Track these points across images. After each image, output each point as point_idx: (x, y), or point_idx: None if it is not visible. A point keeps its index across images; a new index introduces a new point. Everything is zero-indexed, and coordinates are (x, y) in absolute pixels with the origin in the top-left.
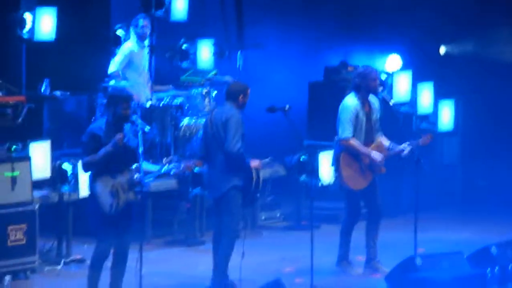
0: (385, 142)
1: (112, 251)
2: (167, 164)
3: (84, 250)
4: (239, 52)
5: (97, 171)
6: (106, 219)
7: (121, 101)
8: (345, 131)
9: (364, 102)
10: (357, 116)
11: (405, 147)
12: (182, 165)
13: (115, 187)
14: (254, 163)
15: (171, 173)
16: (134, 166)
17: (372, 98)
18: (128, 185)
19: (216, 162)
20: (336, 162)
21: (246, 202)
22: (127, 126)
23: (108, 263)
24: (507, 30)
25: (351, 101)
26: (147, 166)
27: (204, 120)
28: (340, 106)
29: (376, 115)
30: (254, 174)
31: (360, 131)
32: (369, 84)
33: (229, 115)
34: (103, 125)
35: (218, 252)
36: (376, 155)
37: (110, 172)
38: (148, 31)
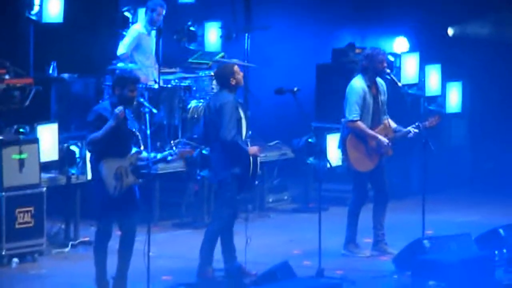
0: (392, 124)
1: (119, 233)
2: (167, 149)
3: (91, 233)
4: (246, 34)
5: (100, 154)
6: (108, 202)
7: (128, 83)
8: (352, 113)
9: (371, 84)
10: (364, 98)
11: (412, 129)
12: (178, 151)
13: (119, 170)
14: (253, 149)
15: (168, 159)
16: (135, 150)
17: (379, 80)
18: (131, 169)
19: (214, 147)
20: (343, 145)
21: (243, 189)
22: (128, 110)
23: (116, 246)
24: None
25: (358, 83)
26: (143, 153)
27: None
28: (348, 88)
29: (383, 97)
30: (251, 161)
31: (368, 113)
32: (376, 66)
33: (223, 102)
34: (108, 106)
35: (223, 235)
36: (383, 139)
37: (112, 155)
38: (161, 19)
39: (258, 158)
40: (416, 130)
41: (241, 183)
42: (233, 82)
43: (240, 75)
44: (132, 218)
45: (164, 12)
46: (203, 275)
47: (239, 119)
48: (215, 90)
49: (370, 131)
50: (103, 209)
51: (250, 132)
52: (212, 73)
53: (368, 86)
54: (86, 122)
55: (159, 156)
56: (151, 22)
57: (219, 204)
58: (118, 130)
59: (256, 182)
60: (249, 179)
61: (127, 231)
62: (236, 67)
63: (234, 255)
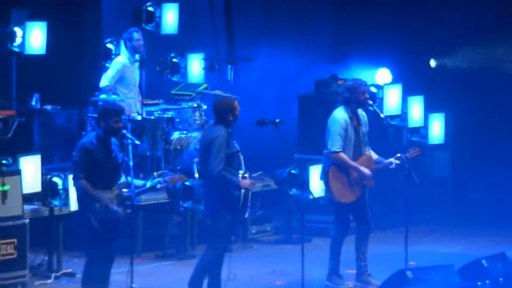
0: (374, 155)
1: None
2: (151, 180)
3: (74, 264)
4: (229, 66)
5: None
6: (95, 235)
7: (113, 114)
8: (335, 144)
9: (353, 115)
10: (346, 130)
11: (393, 161)
12: (167, 179)
13: (100, 198)
14: (245, 183)
15: (157, 187)
16: (121, 181)
17: (361, 112)
18: (117, 200)
19: (206, 179)
20: (325, 176)
21: (233, 222)
22: (113, 140)
23: None
24: (497, 44)
25: (340, 114)
26: (133, 181)
27: (195, 134)
28: (329, 120)
29: (364, 128)
30: (242, 194)
31: (349, 144)
32: (358, 97)
33: (214, 136)
34: (94, 139)
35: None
36: (365, 170)
37: (98, 187)
38: (142, 43)
39: (250, 192)
40: (398, 162)
41: (232, 216)
42: (231, 118)
43: (238, 111)
44: (112, 249)
45: (141, 36)
46: None
47: (232, 153)
48: (198, 122)
49: (352, 162)
50: (90, 241)
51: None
52: (196, 104)
53: (350, 118)
54: (72, 157)
55: (148, 184)
56: (133, 51)
57: (213, 236)
58: (103, 163)
59: (246, 215)
60: (239, 211)
61: (107, 261)
62: (236, 103)
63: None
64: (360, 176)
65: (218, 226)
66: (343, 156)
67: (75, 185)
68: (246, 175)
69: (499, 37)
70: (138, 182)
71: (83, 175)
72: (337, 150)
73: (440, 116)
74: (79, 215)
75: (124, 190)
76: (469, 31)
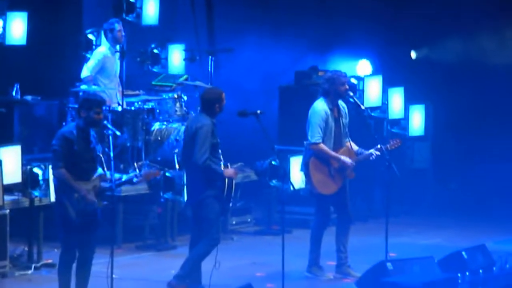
0: (354, 146)
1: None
2: (131, 171)
3: (54, 255)
4: (210, 57)
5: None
6: (71, 225)
7: (94, 105)
8: (315, 136)
9: (333, 107)
10: (326, 121)
11: (374, 152)
12: (142, 173)
13: (79, 189)
14: (229, 172)
15: (134, 181)
16: (98, 173)
17: (341, 103)
18: (95, 192)
19: (190, 169)
20: (305, 167)
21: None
22: (92, 132)
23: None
24: (478, 35)
25: (320, 105)
26: (108, 173)
27: (175, 125)
28: (310, 111)
29: (345, 120)
30: (226, 183)
31: (330, 135)
32: (338, 88)
33: (199, 126)
34: (74, 129)
35: (190, 252)
36: (346, 159)
37: (76, 179)
38: (123, 34)
39: (234, 181)
40: (378, 153)
41: (218, 204)
42: (217, 109)
43: (224, 103)
44: (92, 240)
45: (122, 27)
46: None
47: (216, 144)
48: (178, 113)
49: (333, 153)
50: (67, 234)
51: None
52: (176, 95)
53: (330, 109)
54: (51, 146)
55: (124, 178)
56: (115, 41)
57: (208, 228)
58: (82, 153)
59: (231, 205)
60: (223, 201)
61: (85, 254)
62: (223, 95)
63: (200, 278)
64: (340, 167)
65: (209, 217)
66: (323, 147)
67: (54, 174)
68: (228, 164)
69: (480, 29)
70: (115, 175)
71: (62, 164)
72: (317, 141)
73: (421, 107)
74: (56, 204)
75: (103, 181)
76: (450, 23)
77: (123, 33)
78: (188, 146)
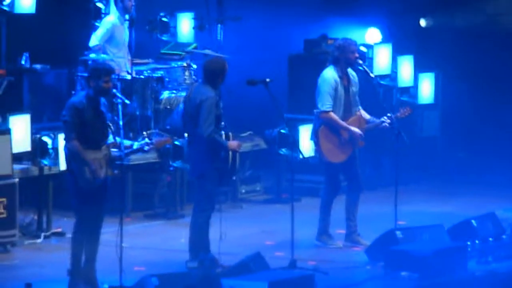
0: (365, 115)
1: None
2: (140, 140)
3: (64, 224)
4: (219, 25)
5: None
6: (84, 195)
7: (103, 74)
8: (325, 104)
9: (343, 75)
10: (336, 89)
11: (385, 119)
12: (154, 141)
13: (93, 162)
14: (233, 144)
15: (145, 149)
16: (109, 141)
17: (351, 71)
18: (105, 161)
19: (193, 140)
20: (315, 136)
21: (222, 183)
22: (102, 100)
23: None
24: (487, 2)
25: (330, 74)
26: (119, 140)
27: (184, 93)
28: (319, 79)
29: (355, 88)
30: (230, 155)
31: (340, 104)
32: (348, 56)
33: (203, 98)
34: (83, 98)
35: (190, 226)
36: (356, 130)
37: (87, 147)
38: (133, 3)
39: (237, 153)
40: (389, 121)
41: (219, 176)
42: (220, 79)
43: (226, 73)
44: (102, 207)
45: None
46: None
47: (219, 115)
48: (187, 81)
49: (343, 122)
50: (80, 202)
51: (223, 123)
52: (185, 64)
53: (340, 77)
54: (62, 117)
55: (135, 145)
56: (124, 10)
57: (201, 197)
58: (92, 122)
59: (234, 177)
60: (227, 173)
61: (96, 219)
62: (226, 65)
63: (208, 246)
64: (350, 136)
65: (206, 188)
66: (333, 115)
67: (67, 145)
68: (230, 134)
69: None
70: (126, 142)
71: (75, 135)
72: (327, 109)
73: (430, 75)
74: (68, 175)
75: (113, 150)
76: None
77: (133, 2)
78: (191, 117)
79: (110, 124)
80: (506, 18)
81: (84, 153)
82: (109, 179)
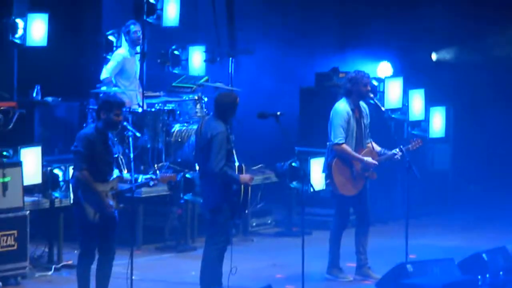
0: (376, 147)
1: (97, 257)
2: (150, 174)
3: (74, 256)
4: (230, 58)
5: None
6: (90, 227)
7: (114, 107)
8: (338, 136)
9: (355, 107)
10: (348, 122)
11: (396, 152)
12: (159, 176)
13: (99, 192)
14: (245, 178)
15: (150, 184)
16: (116, 174)
17: (362, 104)
18: (112, 194)
19: (205, 173)
20: (328, 169)
21: (234, 216)
22: (110, 135)
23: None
24: (497, 37)
25: (342, 106)
26: (125, 175)
27: (195, 126)
28: (332, 112)
29: (366, 120)
30: (242, 190)
31: (352, 136)
32: (360, 89)
33: (214, 132)
34: (93, 130)
35: (202, 259)
36: (370, 160)
37: (95, 180)
38: (140, 35)
39: (249, 187)
40: (400, 153)
41: (232, 210)
42: (231, 114)
43: (236, 107)
44: (111, 241)
45: (139, 28)
46: None
47: (230, 149)
48: (199, 114)
49: (356, 154)
50: (85, 235)
51: (234, 157)
52: (197, 97)
53: (352, 110)
54: (74, 148)
55: (140, 180)
56: (132, 43)
57: (214, 230)
58: (102, 155)
59: (246, 211)
60: (239, 206)
61: (106, 254)
62: (238, 99)
63: (220, 280)
64: (363, 169)
65: (219, 221)
66: (347, 147)
67: (77, 175)
68: (243, 166)
69: (501, 30)
70: (128, 177)
71: (86, 166)
72: (340, 142)
73: (441, 109)
74: (75, 205)
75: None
76: (470, 24)
77: (140, 34)
78: (203, 151)
79: (121, 157)
80: None
81: (94, 184)
82: (116, 212)
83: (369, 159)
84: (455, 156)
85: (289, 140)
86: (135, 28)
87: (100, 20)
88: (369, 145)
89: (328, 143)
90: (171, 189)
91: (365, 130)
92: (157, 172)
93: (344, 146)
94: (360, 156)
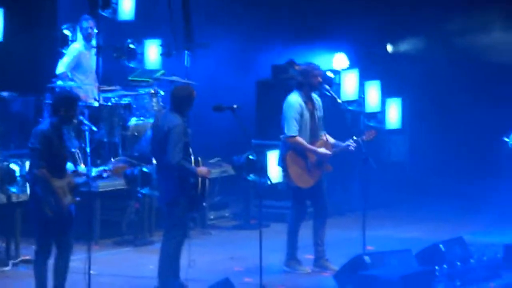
0: (330, 139)
1: (54, 252)
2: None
3: (32, 251)
4: (186, 52)
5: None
6: (46, 222)
7: (68, 102)
8: (291, 129)
9: (307, 99)
10: (301, 114)
11: (350, 143)
12: (111, 167)
13: (56, 190)
14: (202, 170)
15: (103, 175)
16: (71, 169)
17: (315, 96)
18: (69, 188)
19: (162, 167)
20: (283, 161)
21: (192, 210)
22: (65, 130)
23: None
24: (452, 28)
25: (294, 98)
26: (80, 168)
27: (152, 120)
28: (284, 104)
29: (319, 112)
30: (199, 183)
31: (305, 128)
32: (311, 81)
33: (171, 125)
34: (48, 125)
35: (160, 253)
36: (324, 151)
37: (52, 176)
38: (93, 31)
39: (207, 179)
40: (354, 144)
41: (190, 203)
42: (188, 107)
43: (193, 101)
44: (68, 236)
45: (91, 24)
46: None
47: (187, 142)
48: (155, 108)
49: (310, 146)
50: (41, 230)
51: (191, 150)
52: (153, 91)
53: (305, 102)
54: (31, 145)
55: (93, 173)
56: (85, 38)
57: (171, 224)
58: (58, 150)
59: (204, 204)
60: (197, 199)
61: (63, 249)
62: (194, 93)
63: (178, 274)
64: (318, 161)
65: (176, 214)
66: (300, 139)
67: (35, 173)
68: (200, 159)
69: (455, 22)
70: (83, 169)
71: (44, 163)
72: (294, 134)
73: (397, 101)
74: (31, 201)
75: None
76: (426, 16)
77: (91, 30)
78: (160, 144)
79: (77, 151)
80: (471, 44)
81: (52, 182)
82: (72, 207)
83: (323, 150)
84: (411, 148)
85: (245, 133)
86: (87, 24)
87: (55, 14)
88: (323, 137)
89: (281, 136)
90: (128, 183)
91: (319, 122)
92: (103, 166)
93: (298, 138)
94: (314, 148)
